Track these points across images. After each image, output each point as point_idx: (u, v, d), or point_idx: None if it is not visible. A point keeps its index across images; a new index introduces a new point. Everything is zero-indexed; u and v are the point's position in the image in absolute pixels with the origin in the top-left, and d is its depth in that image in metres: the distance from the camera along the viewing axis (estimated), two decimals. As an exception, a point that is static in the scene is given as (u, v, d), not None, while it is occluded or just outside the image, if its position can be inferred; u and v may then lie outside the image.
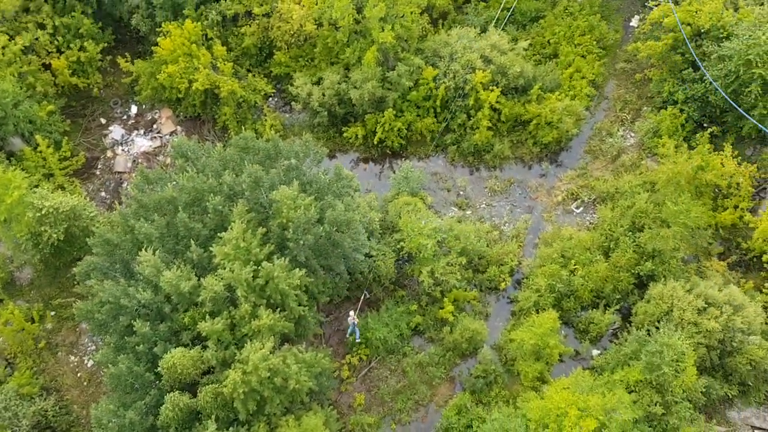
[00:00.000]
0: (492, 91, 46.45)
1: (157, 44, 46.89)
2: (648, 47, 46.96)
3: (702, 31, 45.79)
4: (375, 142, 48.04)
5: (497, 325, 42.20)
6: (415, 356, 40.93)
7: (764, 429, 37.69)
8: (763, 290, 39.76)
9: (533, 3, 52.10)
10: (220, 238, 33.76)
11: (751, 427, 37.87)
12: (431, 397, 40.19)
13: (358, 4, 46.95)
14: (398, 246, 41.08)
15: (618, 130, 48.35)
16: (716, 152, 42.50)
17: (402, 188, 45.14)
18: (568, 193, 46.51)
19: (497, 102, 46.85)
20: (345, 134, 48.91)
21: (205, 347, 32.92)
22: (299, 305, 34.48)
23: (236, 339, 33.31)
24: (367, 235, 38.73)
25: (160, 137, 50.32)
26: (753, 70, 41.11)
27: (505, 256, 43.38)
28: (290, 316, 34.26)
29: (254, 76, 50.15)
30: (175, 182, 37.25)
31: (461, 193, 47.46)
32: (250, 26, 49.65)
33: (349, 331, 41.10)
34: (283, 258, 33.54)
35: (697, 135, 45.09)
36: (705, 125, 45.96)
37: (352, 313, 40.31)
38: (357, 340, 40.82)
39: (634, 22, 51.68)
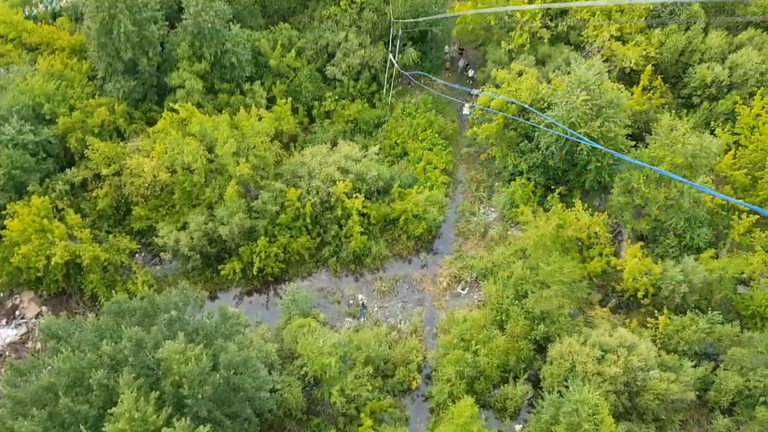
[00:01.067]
0: (356, 198, 47.97)
1: (4, 227, 44.42)
2: (484, 129, 50.94)
3: (526, 106, 50.52)
4: (255, 273, 47.47)
5: (419, 426, 41.62)
6: (345, 483, 39.16)
7: (687, 458, 39.30)
8: (648, 325, 42.52)
9: (373, 111, 55.31)
10: (111, 414, 31.23)
11: (677, 458, 39.34)
12: None
13: (207, 144, 47.51)
14: (302, 372, 40.02)
15: (479, 208, 51.28)
16: (569, 209, 46.11)
17: (292, 312, 44.51)
18: (451, 277, 48.03)
19: (363, 207, 48.34)
20: (222, 272, 47.97)
21: None
22: (213, 464, 32.19)
23: None
24: (267, 369, 37.38)
25: (26, 323, 46.70)
26: (578, 131, 45.65)
27: (408, 354, 43.43)
28: (205, 480, 31.80)
29: (115, 236, 48.49)
30: (50, 367, 34.41)
31: (351, 302, 47.57)
32: (101, 188, 48.48)
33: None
34: (183, 418, 31.46)
35: (548, 197, 48.80)
36: (552, 187, 49.88)
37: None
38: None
39: (466, 110, 56.15)
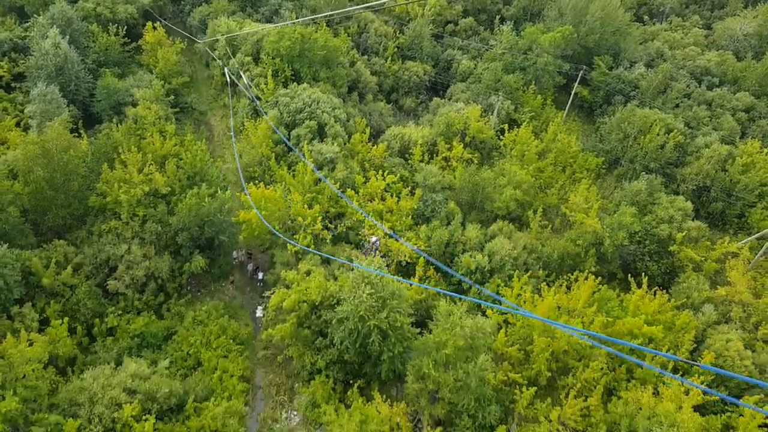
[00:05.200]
0: (146, 420, 44.05)
1: None
2: (279, 330, 51.07)
3: (317, 304, 52.14)
4: None
5: None
6: None
7: None
8: None
9: (161, 323, 53.15)
10: None
11: None
12: None
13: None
14: None
15: (281, 414, 49.87)
16: (369, 402, 46.72)
17: None
18: (257, 494, 44.87)
19: (155, 430, 44.41)
20: None
21: None
22: None
23: None
24: None
25: None
26: (368, 323, 47.75)
27: None
28: None
29: None
30: None
31: None
32: None
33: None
34: None
35: (348, 393, 49.19)
36: (351, 381, 50.55)
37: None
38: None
39: (259, 313, 56.46)
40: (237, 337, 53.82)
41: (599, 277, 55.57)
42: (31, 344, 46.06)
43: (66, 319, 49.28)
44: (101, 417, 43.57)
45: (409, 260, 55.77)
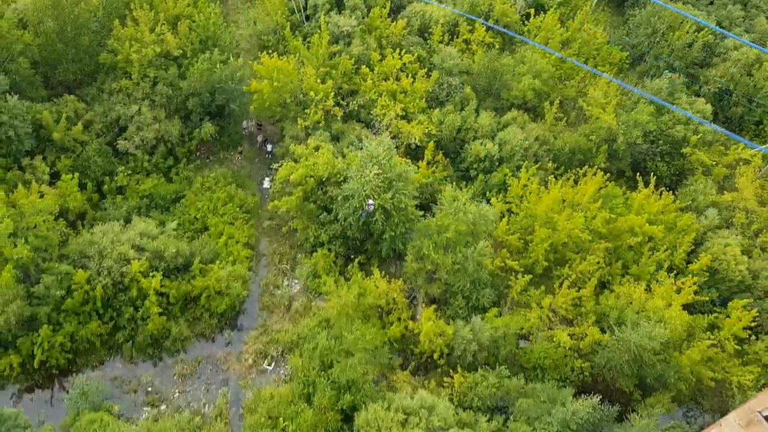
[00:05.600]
0: (153, 276, 45.89)
1: None
2: (285, 202, 51.85)
3: (323, 179, 52.44)
4: (36, 366, 42.98)
5: None
6: None
7: None
8: (445, 384, 45.21)
9: (170, 186, 53.82)
10: None
11: None
12: None
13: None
14: (94, 473, 36.58)
15: (283, 281, 51.63)
16: (368, 277, 48.21)
17: (81, 407, 40.80)
18: (257, 353, 47.37)
19: (162, 286, 46.32)
20: (-4, 368, 42.78)
21: None
22: None
23: None
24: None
25: None
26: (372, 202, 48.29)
27: (213, 441, 41.74)
28: None
29: None
30: None
31: (150, 389, 44.79)
32: None
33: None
34: None
35: (349, 267, 50.69)
36: (352, 257, 51.89)
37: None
38: None
39: (266, 184, 56.95)
40: (243, 205, 54.65)
41: (608, 174, 55.35)
42: (42, 196, 47.04)
43: (76, 174, 49.96)
44: (110, 270, 45.31)
45: (418, 143, 55.39)
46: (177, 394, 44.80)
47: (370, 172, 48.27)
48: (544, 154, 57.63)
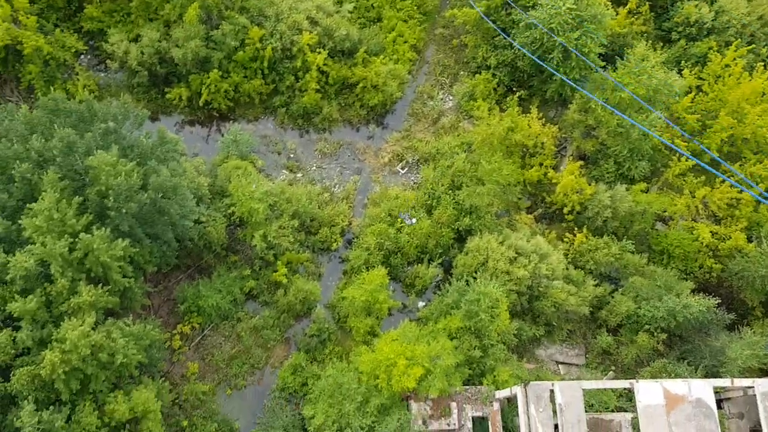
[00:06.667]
0: (319, 53, 46.67)
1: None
2: (463, 14, 49.57)
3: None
4: (201, 104, 46.51)
5: (330, 284, 43.43)
6: (250, 321, 40.99)
7: (566, 363, 42.76)
8: (565, 239, 44.58)
9: (357, -34, 52.60)
10: (30, 209, 31.21)
11: (556, 362, 42.77)
12: (267, 360, 40.66)
13: (177, -43, 44.59)
14: (229, 211, 40.51)
15: (438, 93, 50.91)
16: (524, 114, 46.42)
17: (231, 152, 44.32)
18: (394, 154, 48.39)
19: (324, 64, 47.18)
20: (168, 95, 46.75)
21: (17, 328, 30.55)
22: (124, 277, 33.03)
23: (54, 317, 31.27)
24: (195, 200, 37.73)
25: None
26: (555, 38, 45.01)
27: (336, 217, 44.47)
28: (114, 288, 32.75)
29: (63, 31, 45.97)
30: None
31: (291, 155, 47.60)
32: (54, -27, 45.32)
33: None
34: (103, 228, 31.79)
35: (508, 98, 48.82)
36: (514, 89, 49.80)
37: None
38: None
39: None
40: (422, 6, 52.74)
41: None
42: None
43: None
44: (282, 35, 46.41)
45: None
46: (314, 168, 47.38)
47: (564, 3, 44.41)
48: (762, 37, 50.15)
